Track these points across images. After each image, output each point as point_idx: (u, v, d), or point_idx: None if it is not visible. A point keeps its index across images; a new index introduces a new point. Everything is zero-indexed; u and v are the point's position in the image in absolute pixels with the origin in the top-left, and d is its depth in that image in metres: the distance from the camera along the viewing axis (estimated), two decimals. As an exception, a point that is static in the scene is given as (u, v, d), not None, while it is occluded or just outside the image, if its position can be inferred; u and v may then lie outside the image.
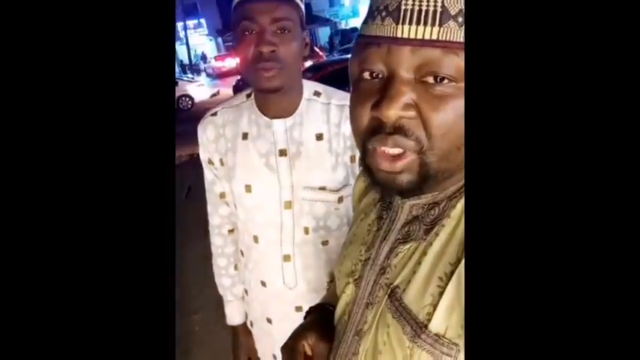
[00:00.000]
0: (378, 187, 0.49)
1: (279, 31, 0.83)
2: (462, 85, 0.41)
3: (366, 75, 0.45)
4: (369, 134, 0.45)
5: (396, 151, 0.43)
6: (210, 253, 1.13)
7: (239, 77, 11.10)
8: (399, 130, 0.42)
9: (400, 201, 0.52)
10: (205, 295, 2.56)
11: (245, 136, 0.95)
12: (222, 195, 1.04)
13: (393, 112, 0.41)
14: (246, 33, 0.83)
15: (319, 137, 0.93)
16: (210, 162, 1.01)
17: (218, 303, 1.20)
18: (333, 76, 5.06)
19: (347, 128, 0.91)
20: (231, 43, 1.01)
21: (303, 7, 0.88)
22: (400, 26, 0.41)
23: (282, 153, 0.93)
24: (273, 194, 0.94)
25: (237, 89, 10.30)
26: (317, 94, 0.95)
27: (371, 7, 0.45)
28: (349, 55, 0.50)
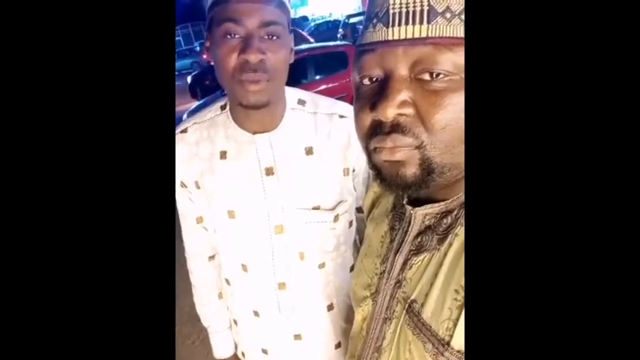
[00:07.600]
0: (386, 186, 0.47)
1: (267, 37, 0.72)
2: (459, 78, 0.41)
3: (366, 81, 0.46)
4: (370, 135, 0.46)
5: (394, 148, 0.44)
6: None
7: (194, 73, 10.13)
8: (396, 128, 0.43)
9: (412, 210, 0.51)
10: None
11: (223, 154, 0.84)
12: (199, 219, 0.93)
13: (390, 111, 0.42)
14: (228, 37, 0.71)
15: (309, 151, 0.83)
16: (183, 185, 0.89)
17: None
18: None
19: (337, 139, 0.84)
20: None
21: (290, 8, 0.78)
22: (391, 29, 0.42)
23: (269, 172, 0.82)
24: (262, 219, 0.84)
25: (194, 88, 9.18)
26: (301, 102, 0.86)
27: (365, 17, 0.46)
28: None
